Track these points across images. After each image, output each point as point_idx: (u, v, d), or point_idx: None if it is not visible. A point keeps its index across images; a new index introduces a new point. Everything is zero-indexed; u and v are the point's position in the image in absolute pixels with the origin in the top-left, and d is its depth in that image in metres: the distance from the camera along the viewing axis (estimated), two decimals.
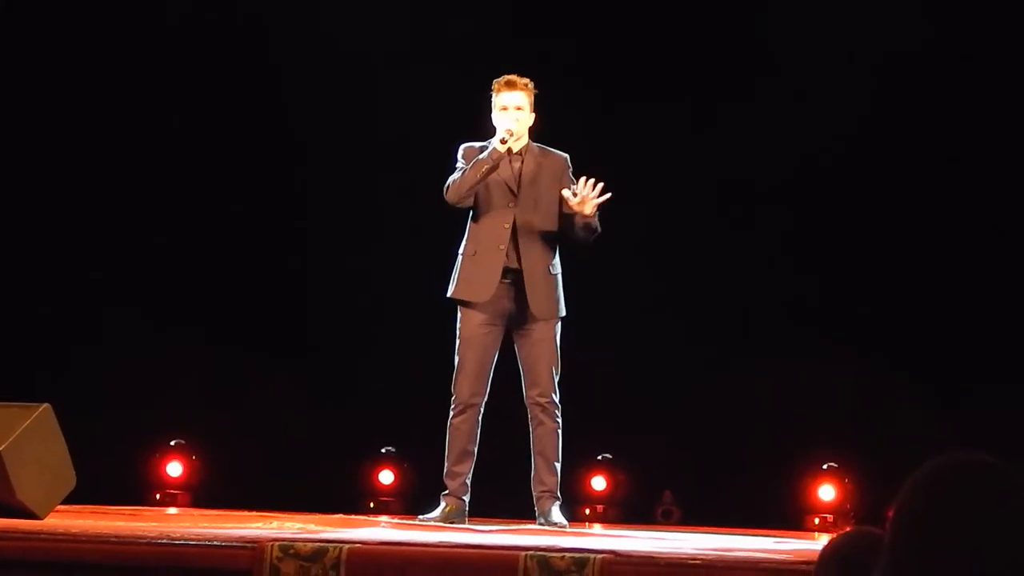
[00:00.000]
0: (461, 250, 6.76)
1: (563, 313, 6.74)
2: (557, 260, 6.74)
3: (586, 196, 6.54)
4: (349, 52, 8.95)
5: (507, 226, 6.65)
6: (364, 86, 9.00)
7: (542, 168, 6.72)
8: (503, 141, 6.58)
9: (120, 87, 9.16)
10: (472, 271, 6.69)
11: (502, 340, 6.75)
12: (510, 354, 6.76)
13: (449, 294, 6.75)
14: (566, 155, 6.79)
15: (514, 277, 6.67)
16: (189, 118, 9.24)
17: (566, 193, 6.58)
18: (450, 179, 6.65)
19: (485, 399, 6.73)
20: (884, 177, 8.80)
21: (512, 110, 6.66)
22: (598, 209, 6.58)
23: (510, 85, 6.68)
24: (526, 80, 6.70)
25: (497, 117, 6.67)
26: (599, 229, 6.66)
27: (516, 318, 6.70)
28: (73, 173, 9.16)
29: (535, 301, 6.65)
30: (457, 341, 6.75)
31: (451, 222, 6.85)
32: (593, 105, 8.82)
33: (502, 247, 6.65)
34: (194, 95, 9.24)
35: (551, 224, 6.71)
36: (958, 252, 8.63)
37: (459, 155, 6.72)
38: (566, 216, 6.66)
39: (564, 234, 6.72)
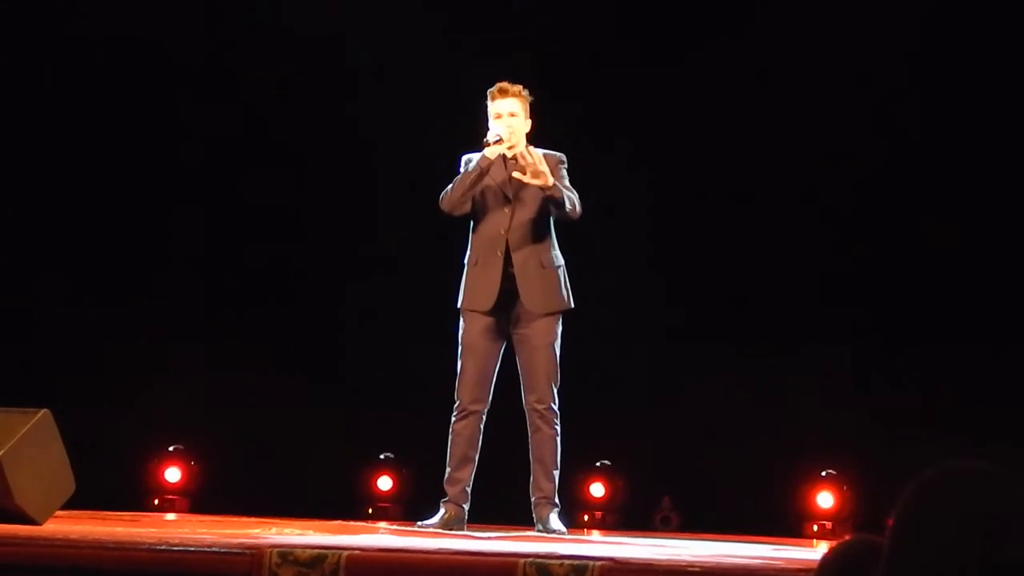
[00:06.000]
0: (466, 260, 6.78)
1: (568, 305, 6.74)
2: (555, 253, 6.74)
3: (526, 166, 6.52)
4: (351, 58, 8.98)
5: (504, 232, 6.67)
6: (368, 90, 9.02)
7: None
8: (486, 144, 6.60)
9: (119, 90, 9.18)
10: (475, 280, 6.72)
11: (504, 345, 6.76)
12: (509, 361, 6.76)
13: (458, 305, 6.77)
14: (561, 154, 6.79)
15: (511, 281, 6.68)
16: (191, 119, 9.26)
17: (516, 175, 6.58)
18: (445, 189, 6.68)
19: (487, 406, 6.74)
20: (881, 179, 8.79)
21: (506, 117, 6.67)
22: (552, 185, 6.54)
23: (503, 92, 6.70)
24: (519, 87, 6.72)
25: (492, 125, 6.68)
26: (566, 203, 6.57)
27: (515, 322, 6.71)
28: (76, 175, 9.16)
29: (528, 297, 6.65)
30: (459, 348, 6.76)
31: (452, 227, 6.86)
32: (599, 94, 8.83)
33: (500, 253, 6.67)
34: (198, 95, 9.26)
35: (541, 220, 6.72)
36: (960, 255, 8.62)
37: (461, 167, 6.75)
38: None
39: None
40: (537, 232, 6.72)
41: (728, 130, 8.75)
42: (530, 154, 6.54)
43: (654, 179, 8.87)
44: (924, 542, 2.00)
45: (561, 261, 6.76)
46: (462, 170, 6.74)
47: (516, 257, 6.67)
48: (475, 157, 6.72)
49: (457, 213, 6.71)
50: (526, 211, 6.70)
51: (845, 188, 8.74)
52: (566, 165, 6.77)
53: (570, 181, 6.73)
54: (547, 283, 6.71)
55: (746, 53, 8.78)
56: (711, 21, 8.89)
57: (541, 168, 6.52)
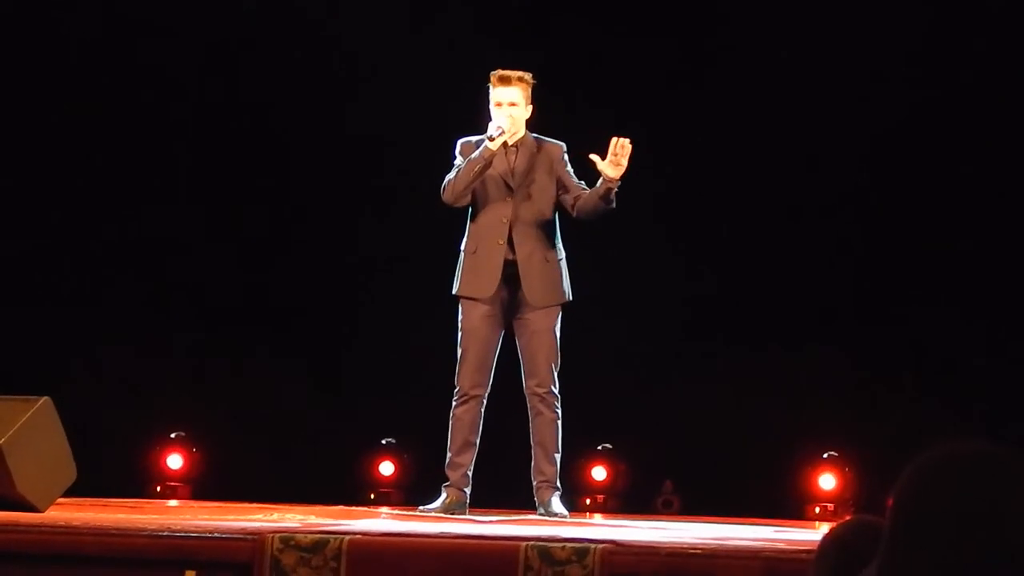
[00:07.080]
0: (462, 247, 6.77)
1: (567, 298, 6.74)
2: (559, 246, 6.75)
3: (616, 157, 6.47)
4: (344, 43, 8.98)
5: (505, 220, 6.66)
6: (365, 76, 9.01)
7: (536, 160, 6.73)
8: (491, 139, 6.57)
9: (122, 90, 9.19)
10: (474, 267, 6.71)
11: (503, 331, 6.76)
12: (511, 345, 6.77)
13: (454, 291, 6.77)
14: (562, 144, 6.78)
15: (512, 268, 6.67)
16: (188, 114, 9.26)
17: (593, 157, 6.54)
18: (446, 179, 6.66)
19: (488, 391, 6.74)
20: (888, 175, 8.79)
21: (506, 106, 6.65)
22: (618, 180, 6.51)
23: (503, 81, 6.66)
24: (520, 73, 6.68)
25: (492, 112, 6.66)
26: (615, 201, 6.59)
27: (515, 308, 6.71)
28: (76, 171, 9.15)
29: (530, 289, 6.65)
30: (459, 333, 6.76)
31: (452, 214, 6.85)
32: (601, 91, 8.83)
33: (501, 242, 6.66)
34: (197, 94, 9.26)
35: (547, 213, 6.72)
36: (960, 242, 8.62)
37: (457, 151, 6.73)
38: (592, 188, 6.60)
39: (579, 212, 6.66)
40: (543, 226, 6.71)
41: (732, 128, 8.74)
42: (622, 147, 6.47)
43: (658, 174, 8.85)
44: (923, 522, 2.00)
45: (563, 254, 6.75)
46: (457, 152, 6.72)
47: (520, 250, 6.65)
48: (473, 140, 6.71)
49: (459, 204, 6.70)
50: (533, 205, 6.69)
51: (846, 186, 8.74)
52: (567, 156, 6.76)
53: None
54: (550, 277, 6.70)
55: (746, 52, 8.78)
56: (715, 20, 8.90)
57: (623, 162, 6.48)
